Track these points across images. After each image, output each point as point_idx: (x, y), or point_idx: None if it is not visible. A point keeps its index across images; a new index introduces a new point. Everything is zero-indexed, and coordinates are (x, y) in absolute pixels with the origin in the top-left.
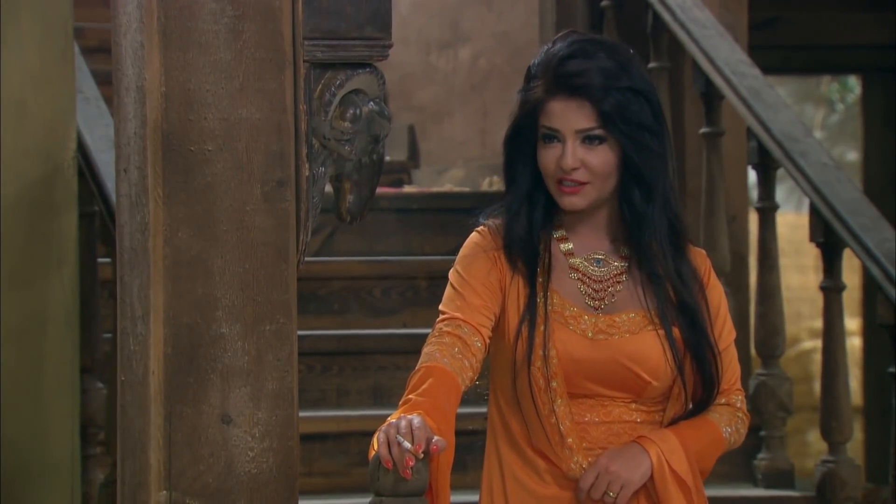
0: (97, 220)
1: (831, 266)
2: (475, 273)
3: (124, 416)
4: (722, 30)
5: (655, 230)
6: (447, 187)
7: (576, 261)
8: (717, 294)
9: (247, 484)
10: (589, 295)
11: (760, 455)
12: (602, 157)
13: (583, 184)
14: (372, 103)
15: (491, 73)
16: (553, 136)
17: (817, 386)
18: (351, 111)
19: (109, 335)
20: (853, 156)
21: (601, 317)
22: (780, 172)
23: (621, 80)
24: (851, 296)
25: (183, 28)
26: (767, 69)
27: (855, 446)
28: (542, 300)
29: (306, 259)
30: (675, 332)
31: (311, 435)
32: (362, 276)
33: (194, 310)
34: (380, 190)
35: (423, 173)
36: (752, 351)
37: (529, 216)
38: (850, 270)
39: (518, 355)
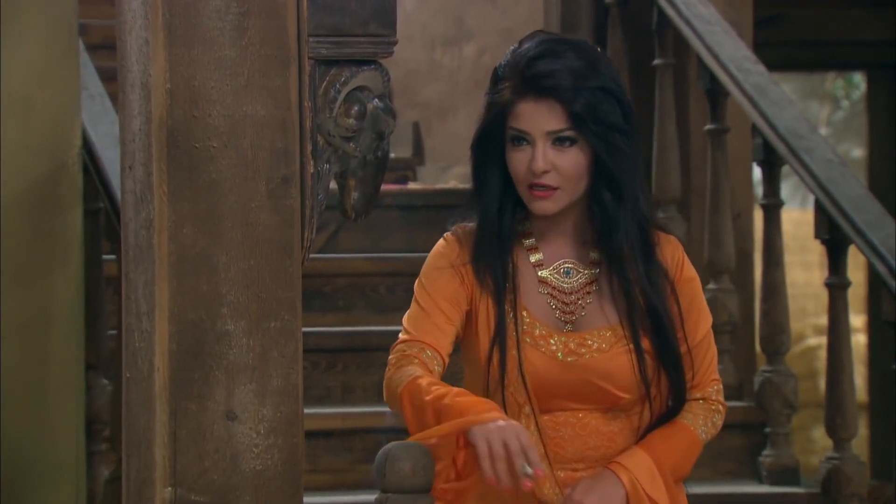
0: (102, 216)
1: (836, 262)
2: (441, 289)
3: (129, 413)
4: (727, 26)
5: (627, 233)
6: (452, 184)
7: (545, 273)
8: (689, 287)
9: (252, 480)
10: (560, 309)
11: (765, 452)
12: (573, 160)
13: (554, 189)
14: (377, 100)
15: None
16: (522, 139)
17: (822, 383)
18: (356, 108)
19: (114, 332)
20: (858, 152)
21: (571, 335)
22: (785, 169)
23: (591, 80)
24: (856, 292)
25: (188, 25)
26: (772, 66)
27: (860, 443)
28: (513, 320)
29: (311, 256)
30: (646, 342)
31: (316, 432)
32: (367, 273)
33: (199, 306)
34: (384, 187)
35: (427, 170)
36: (758, 348)
37: (499, 223)
38: (856, 267)
39: (492, 377)
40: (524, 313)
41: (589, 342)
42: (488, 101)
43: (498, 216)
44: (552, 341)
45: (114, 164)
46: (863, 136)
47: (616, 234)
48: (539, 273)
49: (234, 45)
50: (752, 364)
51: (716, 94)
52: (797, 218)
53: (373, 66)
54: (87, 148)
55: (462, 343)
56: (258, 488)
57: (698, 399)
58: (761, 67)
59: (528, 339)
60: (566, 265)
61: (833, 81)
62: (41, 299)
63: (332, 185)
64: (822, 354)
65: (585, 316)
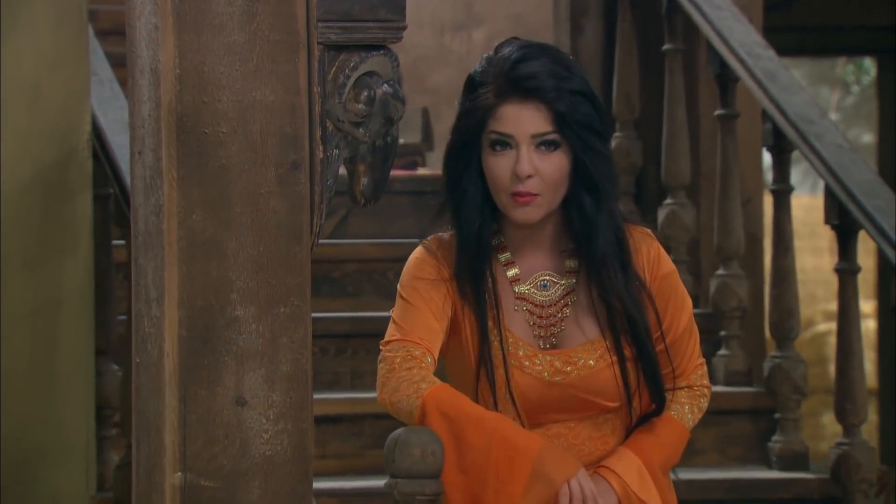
0: (112, 202)
1: (846, 248)
2: (431, 296)
3: (139, 398)
4: (736, 11)
5: (605, 238)
6: None
7: (522, 288)
8: (668, 282)
9: (261, 466)
10: (537, 325)
11: (775, 437)
12: (556, 164)
13: (534, 196)
14: (386, 85)
15: None
16: (505, 143)
17: (831, 368)
18: (365, 93)
19: (124, 317)
20: (868, 138)
21: (556, 354)
22: (795, 155)
23: (571, 83)
24: (866, 278)
25: (197, 10)
26: (782, 51)
27: (869, 428)
28: (497, 340)
29: (320, 242)
30: (627, 349)
31: (325, 417)
32: (376, 258)
33: (209, 292)
34: (393, 172)
35: (436, 156)
36: (767, 333)
37: (479, 238)
38: (865, 253)
39: (481, 395)
40: (507, 333)
41: (574, 360)
42: (466, 109)
43: (478, 232)
44: (537, 361)
45: (123, 150)
46: (873, 122)
47: (596, 239)
48: (516, 289)
49: (243, 30)
50: (762, 350)
51: (726, 80)
52: (807, 203)
53: (382, 52)
54: (97, 133)
55: (447, 354)
56: (267, 473)
57: (683, 388)
58: (771, 52)
59: (512, 361)
60: (543, 278)
61: (843, 67)
62: (51, 285)
63: (342, 170)
64: (832, 340)
65: (565, 331)
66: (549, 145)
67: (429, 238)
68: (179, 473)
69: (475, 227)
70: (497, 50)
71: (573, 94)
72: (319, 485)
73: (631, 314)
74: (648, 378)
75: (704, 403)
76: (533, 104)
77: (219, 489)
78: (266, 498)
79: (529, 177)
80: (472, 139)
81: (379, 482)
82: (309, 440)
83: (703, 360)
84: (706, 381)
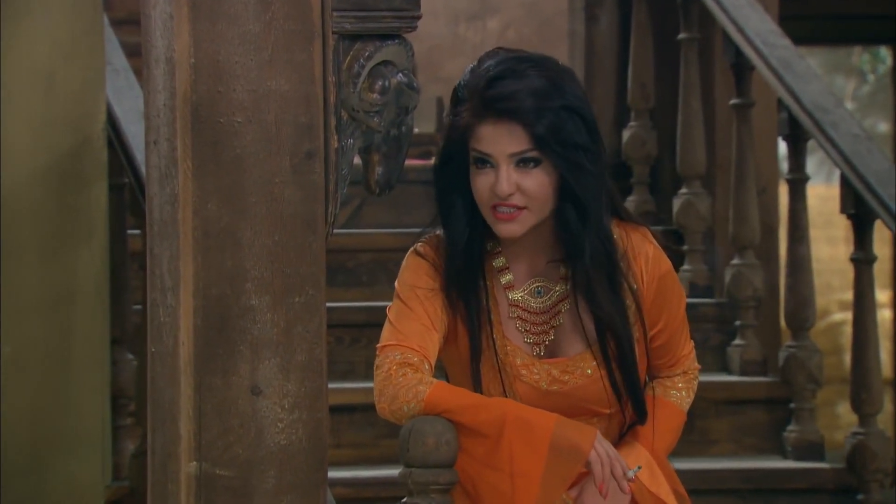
0: (127, 191)
1: (862, 237)
2: (432, 306)
3: (154, 388)
4: (752, 0)
5: (592, 254)
6: None
7: (516, 295)
8: (665, 281)
9: (276, 455)
10: (529, 332)
11: (790, 427)
12: (538, 180)
13: (520, 209)
14: (401, 75)
15: (520, 43)
16: (485, 161)
17: (847, 358)
18: (380, 83)
19: (139, 307)
20: (884, 127)
21: (553, 363)
22: (811, 144)
23: (553, 100)
24: (882, 268)
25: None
26: (798, 40)
27: (884, 418)
28: (492, 349)
29: (334, 231)
30: (615, 361)
31: (340, 407)
32: (391, 248)
33: (224, 281)
34: (408, 162)
35: None
36: (782, 323)
37: (469, 252)
38: (881, 242)
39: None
40: (504, 341)
41: (572, 369)
42: (449, 124)
43: (467, 244)
44: (535, 370)
45: (138, 139)
46: (888, 111)
47: (582, 255)
48: (510, 296)
49: (258, 19)
50: (777, 339)
51: (741, 69)
52: (822, 193)
53: (397, 41)
54: (112, 123)
55: (444, 357)
56: (283, 463)
57: (679, 374)
58: (787, 41)
59: (510, 370)
60: (536, 285)
61: (859, 55)
62: (66, 274)
63: (356, 160)
64: (847, 330)
65: (560, 339)
66: (529, 162)
67: (426, 237)
68: (194, 462)
69: (462, 240)
70: (480, 62)
71: (556, 111)
72: (334, 474)
73: (616, 331)
74: (629, 392)
75: (696, 384)
76: (508, 124)
77: (234, 478)
78: (281, 487)
79: (511, 194)
80: (456, 154)
81: (393, 472)
82: (324, 430)
83: (692, 342)
84: (696, 364)
